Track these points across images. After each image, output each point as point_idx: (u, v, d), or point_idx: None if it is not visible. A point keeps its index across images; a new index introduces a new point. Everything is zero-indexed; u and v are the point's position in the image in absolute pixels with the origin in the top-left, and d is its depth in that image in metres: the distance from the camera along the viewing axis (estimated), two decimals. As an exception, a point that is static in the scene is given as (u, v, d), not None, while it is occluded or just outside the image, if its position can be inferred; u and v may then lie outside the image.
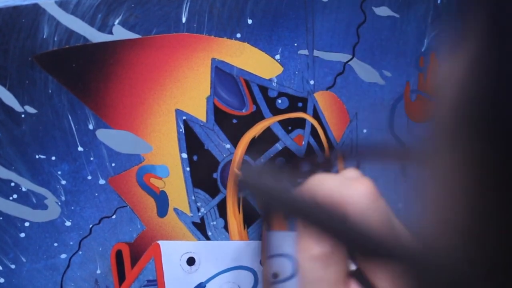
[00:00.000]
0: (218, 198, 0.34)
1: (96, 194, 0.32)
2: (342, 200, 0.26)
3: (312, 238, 0.27)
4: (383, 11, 0.33)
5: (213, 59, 0.32)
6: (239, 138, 0.33)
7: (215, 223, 0.34)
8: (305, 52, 0.33)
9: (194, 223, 0.34)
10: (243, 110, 0.33)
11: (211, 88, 0.32)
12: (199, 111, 0.32)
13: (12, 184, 0.30)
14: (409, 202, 0.39)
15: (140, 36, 0.30)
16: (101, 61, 0.29)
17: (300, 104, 0.34)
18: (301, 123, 0.34)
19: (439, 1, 0.34)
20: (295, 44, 0.33)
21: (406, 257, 0.22)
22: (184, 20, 0.30)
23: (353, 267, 0.26)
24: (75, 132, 0.30)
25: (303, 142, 0.35)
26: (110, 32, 0.29)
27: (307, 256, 0.26)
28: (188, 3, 0.30)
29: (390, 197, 0.39)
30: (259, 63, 0.32)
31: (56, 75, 0.29)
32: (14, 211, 0.30)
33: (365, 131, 0.36)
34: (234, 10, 0.31)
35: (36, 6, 0.28)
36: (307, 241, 0.27)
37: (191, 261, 0.34)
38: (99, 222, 0.32)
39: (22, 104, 0.29)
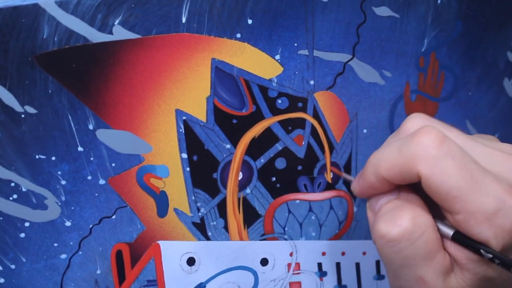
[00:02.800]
0: (218, 198, 0.34)
1: (96, 194, 0.32)
2: (409, 163, 0.24)
3: (385, 218, 0.25)
4: (383, 11, 0.33)
5: (213, 59, 0.32)
6: (239, 138, 0.33)
7: (215, 223, 0.34)
8: (305, 52, 0.33)
9: (194, 223, 0.34)
10: (243, 110, 0.33)
11: (211, 88, 0.32)
12: (199, 111, 0.32)
13: (12, 184, 0.30)
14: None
15: (140, 36, 0.30)
16: (101, 61, 0.30)
17: (300, 104, 0.34)
18: (301, 123, 0.34)
19: (439, 1, 0.34)
20: (295, 44, 0.33)
21: None
22: (184, 20, 0.30)
23: (448, 231, 0.25)
24: (75, 132, 0.30)
25: (303, 142, 0.35)
26: (110, 32, 0.29)
27: (385, 242, 0.25)
28: (188, 3, 0.30)
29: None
30: (259, 63, 0.32)
31: (56, 75, 0.29)
32: (14, 211, 0.30)
33: (365, 131, 0.36)
34: (234, 10, 0.31)
35: (36, 6, 0.28)
36: (380, 225, 0.25)
37: (191, 261, 0.34)
38: (99, 222, 0.32)
39: (22, 104, 0.29)
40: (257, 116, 0.33)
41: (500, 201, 0.23)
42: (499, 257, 0.23)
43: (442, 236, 0.25)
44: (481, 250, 0.23)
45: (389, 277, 0.27)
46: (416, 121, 0.27)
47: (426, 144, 0.24)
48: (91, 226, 0.32)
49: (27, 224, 0.31)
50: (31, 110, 0.29)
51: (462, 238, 0.24)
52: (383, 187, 0.27)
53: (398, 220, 0.24)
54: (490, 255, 0.23)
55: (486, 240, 0.23)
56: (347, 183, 0.36)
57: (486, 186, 0.23)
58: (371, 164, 0.27)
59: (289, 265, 0.36)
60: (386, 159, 0.25)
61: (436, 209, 0.26)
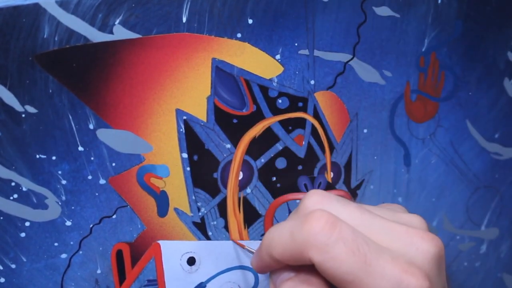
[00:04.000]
0: (218, 198, 0.34)
1: (97, 194, 0.32)
2: (301, 249, 0.24)
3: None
4: (383, 11, 0.33)
5: (213, 59, 0.32)
6: (239, 138, 0.33)
7: (215, 223, 0.34)
8: (306, 52, 0.33)
9: (194, 223, 0.34)
10: (244, 110, 0.33)
11: (211, 88, 0.32)
12: (200, 111, 0.32)
13: (13, 183, 0.30)
14: (410, 196, 0.39)
15: (140, 36, 0.30)
16: (101, 60, 0.30)
17: (300, 104, 0.34)
18: (301, 123, 0.34)
19: (439, 1, 0.34)
20: (296, 44, 0.33)
21: None
22: (184, 20, 0.30)
23: None
24: (75, 132, 0.30)
25: (303, 142, 0.35)
26: (111, 32, 0.29)
27: None
28: (189, 3, 0.30)
29: (389, 190, 0.39)
30: (259, 63, 0.32)
31: (56, 75, 0.29)
32: (15, 211, 0.30)
33: (365, 131, 0.36)
34: (234, 10, 0.31)
35: (36, 6, 0.28)
36: None
37: (191, 261, 0.34)
38: (100, 222, 0.32)
39: (23, 103, 0.29)
40: (258, 116, 0.33)
41: (396, 283, 0.23)
42: None
43: None
44: None
45: None
46: (313, 200, 0.26)
47: (316, 230, 0.23)
48: (91, 225, 0.32)
49: (27, 223, 0.31)
50: (31, 109, 0.29)
51: None
52: (280, 266, 0.26)
53: None
54: None
55: None
56: (347, 183, 0.36)
57: (381, 268, 0.23)
58: (265, 246, 0.26)
59: (289, 265, 0.36)
60: (278, 243, 0.25)
61: None
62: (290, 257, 0.25)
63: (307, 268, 0.25)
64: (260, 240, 0.35)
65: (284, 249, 0.25)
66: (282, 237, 0.25)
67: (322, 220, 0.23)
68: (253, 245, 0.35)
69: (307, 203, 0.26)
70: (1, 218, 0.30)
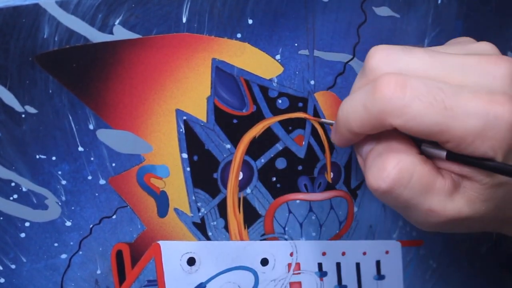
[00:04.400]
0: (218, 198, 0.34)
1: (97, 194, 0.32)
2: (379, 118, 0.24)
3: (372, 172, 0.25)
4: (383, 11, 0.33)
5: (213, 59, 0.32)
6: (239, 138, 0.33)
7: (215, 223, 0.34)
8: (306, 52, 0.33)
9: (194, 223, 0.34)
10: (244, 110, 0.33)
11: (211, 88, 0.32)
12: (200, 111, 0.32)
13: (13, 184, 0.30)
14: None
15: (140, 36, 0.30)
16: (101, 61, 0.29)
17: (300, 104, 0.34)
18: (301, 123, 0.34)
19: (439, 1, 0.34)
20: (296, 44, 0.33)
21: None
22: (184, 20, 0.30)
23: (441, 153, 0.24)
24: (75, 132, 0.30)
25: (303, 142, 0.35)
26: (111, 32, 0.29)
27: (379, 195, 0.24)
28: (189, 3, 0.30)
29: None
30: (259, 63, 0.32)
31: (56, 75, 0.29)
32: (15, 211, 0.30)
33: (365, 131, 0.36)
34: (234, 10, 0.31)
35: (36, 6, 0.28)
36: (370, 180, 0.25)
37: (191, 261, 0.34)
38: (100, 222, 0.32)
39: (23, 104, 0.29)
40: (258, 116, 0.33)
41: (483, 116, 0.22)
42: (499, 169, 0.23)
43: (437, 159, 0.25)
44: (481, 164, 0.23)
45: (402, 215, 0.26)
46: (377, 58, 0.26)
47: (389, 96, 0.23)
48: (91, 226, 0.32)
49: (27, 224, 0.31)
50: (31, 110, 0.29)
51: (457, 156, 0.24)
52: (361, 138, 0.27)
53: (384, 172, 0.24)
54: (491, 168, 0.23)
55: (483, 155, 0.23)
56: (348, 183, 0.36)
57: (463, 108, 0.23)
58: (342, 122, 0.26)
59: (289, 265, 0.36)
60: (355, 116, 0.25)
61: None
62: (370, 127, 0.25)
63: (387, 134, 0.26)
64: (261, 239, 0.35)
65: (362, 122, 0.25)
66: (357, 111, 0.25)
67: (391, 85, 0.23)
68: (253, 244, 0.35)
69: (372, 63, 0.26)
70: (1, 218, 0.30)
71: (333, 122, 0.30)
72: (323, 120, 0.34)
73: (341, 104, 0.27)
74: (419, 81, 0.23)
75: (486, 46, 0.26)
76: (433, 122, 0.23)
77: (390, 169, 0.24)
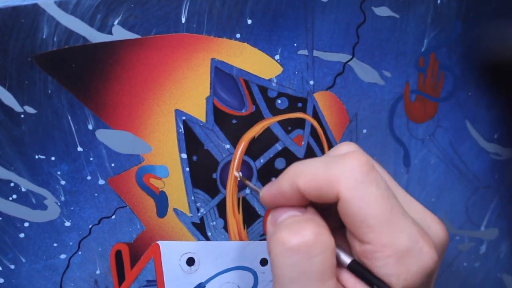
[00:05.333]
0: (217, 198, 0.34)
1: (96, 195, 0.32)
2: (332, 180, 0.23)
3: (289, 227, 0.24)
4: (383, 11, 0.33)
5: (212, 59, 0.32)
6: (238, 138, 0.33)
7: (214, 223, 0.34)
8: (305, 52, 0.33)
9: (193, 223, 0.34)
10: (243, 110, 0.33)
11: (210, 88, 0.32)
12: (199, 111, 0.32)
13: (12, 184, 0.30)
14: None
15: (139, 36, 0.30)
16: (100, 61, 0.29)
17: (299, 104, 0.34)
18: (300, 123, 0.34)
19: (439, 1, 0.34)
20: (295, 44, 0.33)
21: None
22: (183, 20, 0.30)
23: (346, 259, 0.25)
24: (74, 132, 0.30)
25: (302, 143, 0.35)
26: (110, 32, 0.29)
27: (283, 250, 0.23)
28: (188, 3, 0.30)
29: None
30: (258, 63, 0.32)
31: (55, 75, 0.29)
32: (14, 211, 0.30)
33: (365, 131, 0.36)
34: (233, 10, 0.31)
35: (35, 6, 0.28)
36: (283, 232, 0.24)
37: (190, 262, 0.34)
38: (99, 223, 0.32)
39: (22, 104, 0.29)
40: (257, 116, 0.33)
41: (413, 241, 0.23)
42: None
43: (339, 263, 0.24)
44: (375, 286, 0.23)
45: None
46: (349, 147, 0.26)
47: (354, 166, 0.23)
48: (90, 226, 0.32)
49: (26, 224, 0.31)
50: (30, 110, 0.29)
51: (359, 268, 0.24)
52: (293, 200, 0.25)
53: (302, 231, 0.23)
54: None
55: (387, 276, 0.23)
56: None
57: (403, 223, 0.23)
58: (291, 173, 0.25)
59: (288, 265, 0.36)
60: (309, 172, 0.24)
61: (338, 238, 0.25)
62: (317, 188, 0.24)
63: (314, 211, 0.26)
64: (260, 240, 0.35)
65: (313, 178, 0.24)
66: (315, 166, 0.24)
67: (362, 159, 0.23)
68: (252, 244, 0.35)
69: (341, 149, 0.26)
70: (0, 218, 0.30)
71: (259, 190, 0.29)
72: (250, 184, 0.33)
73: (296, 162, 0.26)
74: (382, 178, 0.24)
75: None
76: (373, 214, 0.23)
77: (309, 232, 0.23)
